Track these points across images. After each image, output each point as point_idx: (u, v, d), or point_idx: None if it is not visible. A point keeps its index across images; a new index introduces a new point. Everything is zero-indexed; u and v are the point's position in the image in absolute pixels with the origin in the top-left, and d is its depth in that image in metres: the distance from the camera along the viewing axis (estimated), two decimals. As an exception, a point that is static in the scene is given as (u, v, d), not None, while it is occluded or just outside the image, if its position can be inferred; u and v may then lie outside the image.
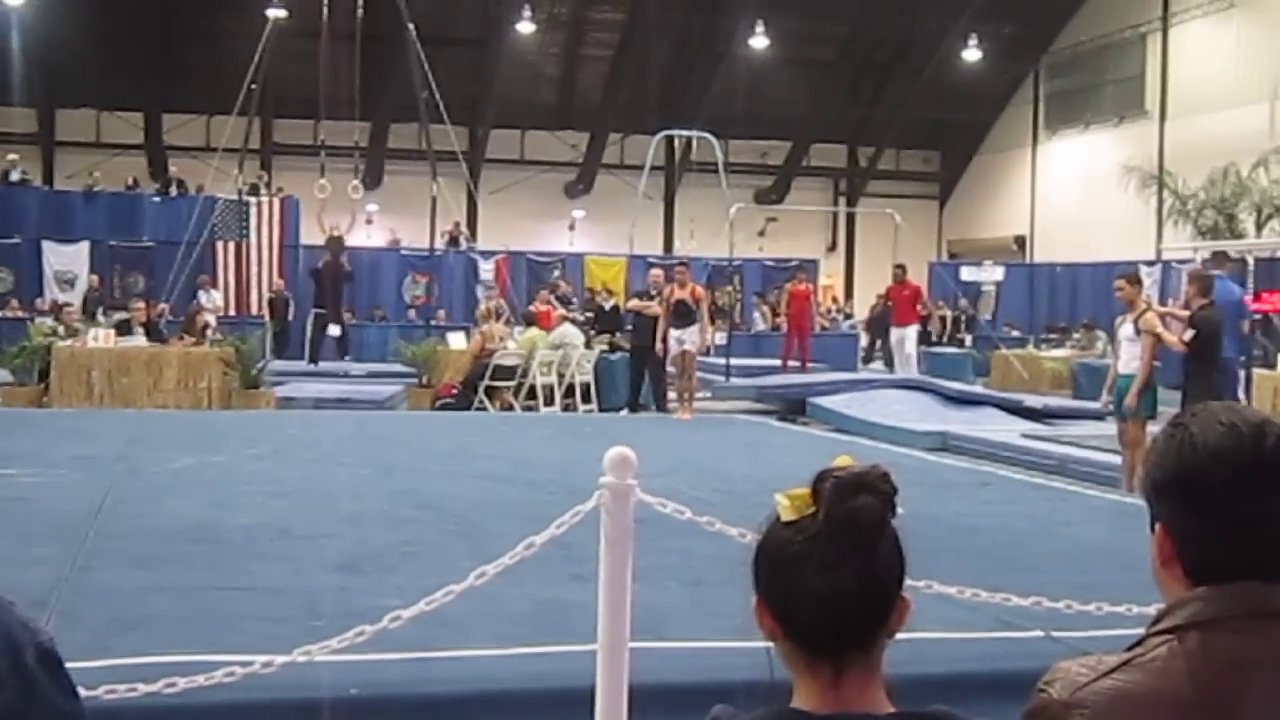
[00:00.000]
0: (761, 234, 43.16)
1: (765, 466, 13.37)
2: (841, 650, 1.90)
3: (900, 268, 27.35)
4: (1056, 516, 10.96)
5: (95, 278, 30.51)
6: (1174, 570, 1.90)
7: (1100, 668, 1.85)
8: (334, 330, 26.69)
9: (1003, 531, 10.11)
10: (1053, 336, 31.91)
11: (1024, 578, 7.09)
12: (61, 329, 21.65)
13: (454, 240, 34.38)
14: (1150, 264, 30.25)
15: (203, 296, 27.95)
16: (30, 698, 1.92)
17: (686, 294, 19.43)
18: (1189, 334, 12.98)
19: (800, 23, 40.84)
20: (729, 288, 32.62)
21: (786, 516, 1.91)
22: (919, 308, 27.83)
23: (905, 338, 26.67)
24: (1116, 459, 13.49)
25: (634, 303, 21.99)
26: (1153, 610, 1.92)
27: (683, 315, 19.26)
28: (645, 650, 4.94)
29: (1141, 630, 1.90)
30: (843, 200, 47.00)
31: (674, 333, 19.20)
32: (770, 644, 1.98)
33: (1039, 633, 6.15)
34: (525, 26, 39.66)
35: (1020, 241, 44.75)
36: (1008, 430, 17.89)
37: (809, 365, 26.18)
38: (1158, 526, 1.92)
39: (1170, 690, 1.79)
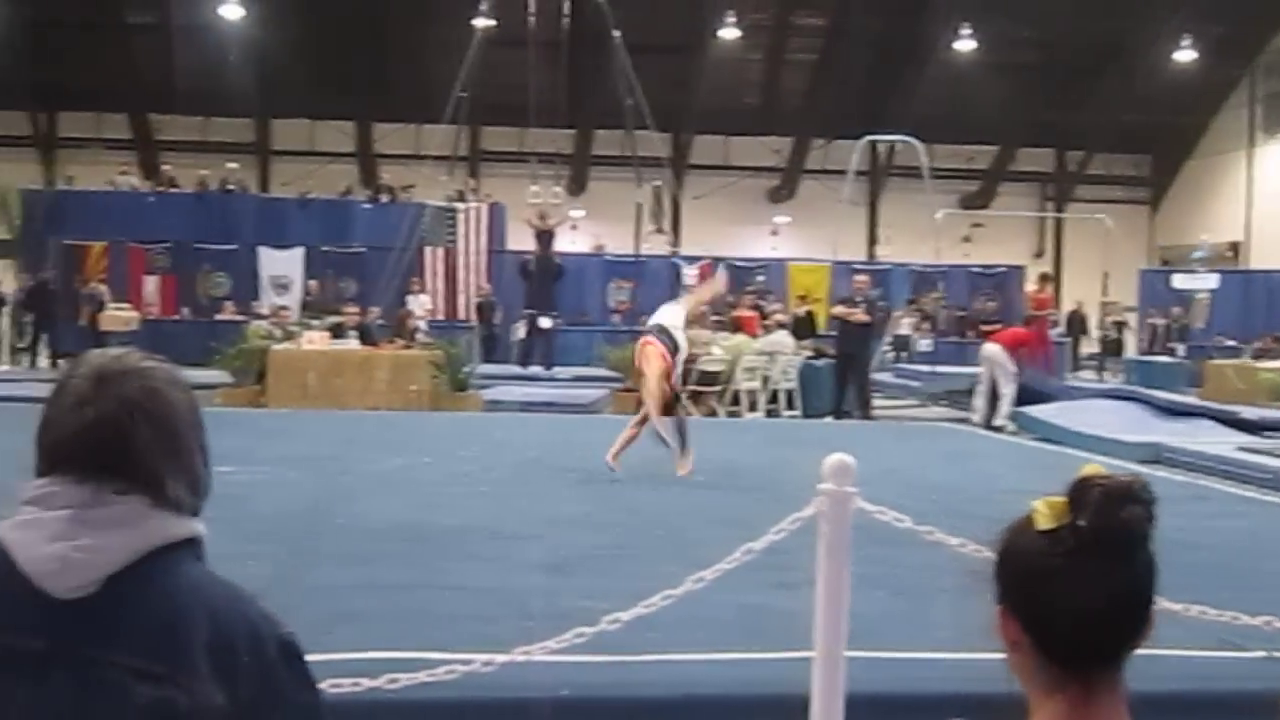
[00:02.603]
0: (966, 240, 42.46)
1: (971, 476, 13.16)
2: (1093, 667, 1.82)
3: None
4: (1280, 533, 10.59)
5: (312, 283, 31.26)
6: None
7: None
8: (545, 322, 26.89)
9: (1224, 548, 9.75)
10: (1273, 346, 30.78)
11: (1250, 596, 6.83)
12: (278, 332, 22.22)
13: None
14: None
15: (411, 301, 28.44)
16: (271, 689, 1.95)
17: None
18: None
19: (1006, 25, 40.16)
20: (934, 294, 32.20)
21: (1044, 525, 1.81)
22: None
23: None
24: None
25: (838, 309, 21.81)
26: None
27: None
28: (859, 659, 4.86)
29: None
30: (1050, 206, 46.08)
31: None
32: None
33: (1261, 653, 5.93)
34: (729, 32, 39.67)
35: (1235, 248, 43.37)
36: (1223, 443, 17.28)
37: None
38: None
39: None
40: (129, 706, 1.87)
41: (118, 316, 26.89)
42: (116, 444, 1.95)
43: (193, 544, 2.01)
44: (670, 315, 12.74)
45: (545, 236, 27.72)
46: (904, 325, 30.68)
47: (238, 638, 1.94)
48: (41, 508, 1.94)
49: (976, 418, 20.10)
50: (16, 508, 1.99)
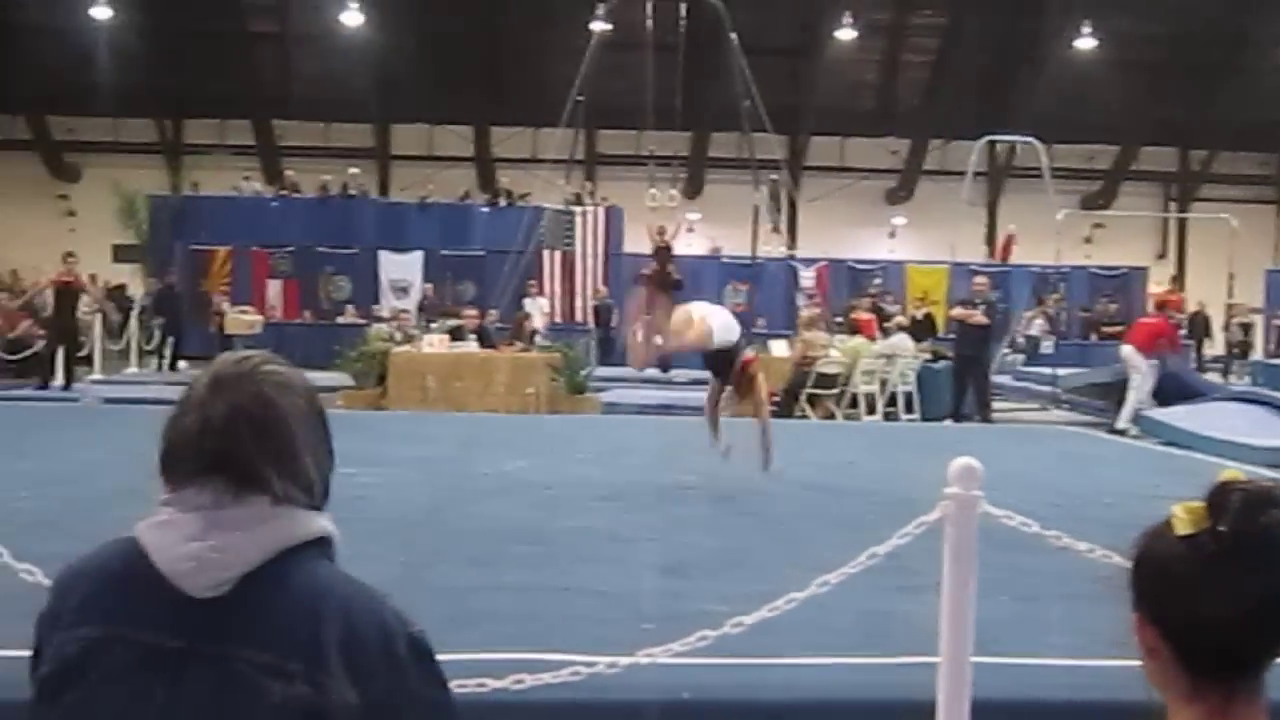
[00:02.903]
0: (1088, 240, 41.81)
1: (1095, 480, 12.95)
2: (1234, 674, 1.77)
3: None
4: None
5: (429, 286, 31.55)
6: None
7: None
8: (660, 340, 26.85)
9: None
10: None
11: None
12: (398, 334, 22.45)
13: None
14: None
15: (528, 303, 28.60)
16: (401, 687, 1.97)
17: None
18: None
19: (1127, 23, 39.53)
20: (1055, 295, 31.80)
21: (1183, 530, 1.76)
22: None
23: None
24: None
25: (957, 311, 21.60)
26: None
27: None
28: (984, 665, 4.80)
29: None
30: (1173, 206, 45.30)
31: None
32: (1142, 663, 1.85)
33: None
34: (845, 34, 39.46)
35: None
36: (1355, 446, 16.86)
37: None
38: None
39: None
40: (263, 704, 1.90)
41: (241, 320, 27.34)
42: (226, 448, 1.99)
43: (323, 544, 2.03)
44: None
45: (663, 251, 27.72)
46: (1034, 326, 30.35)
47: (369, 636, 1.96)
48: (176, 509, 1.98)
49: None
50: (153, 508, 2.02)
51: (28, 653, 2.14)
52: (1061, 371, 24.18)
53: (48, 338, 22.86)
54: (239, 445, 1.99)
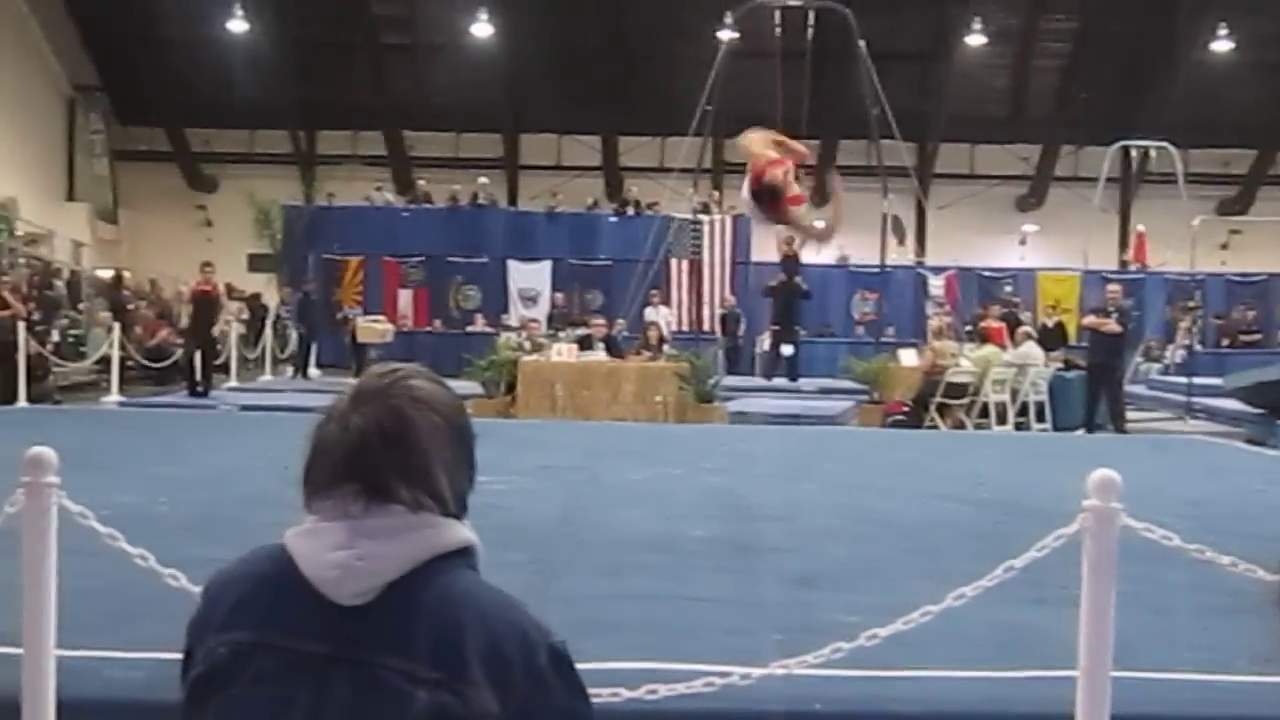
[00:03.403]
0: (1224, 247, 41.01)
1: (1235, 491, 12.71)
2: None
3: None
4: None
5: (559, 295, 31.74)
6: None
7: None
8: (787, 350, 26.91)
9: None
10: None
11: None
12: (527, 343, 22.62)
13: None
14: None
15: (650, 312, 28.64)
16: (541, 696, 1.99)
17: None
18: None
19: (1265, 24, 38.68)
20: (1190, 303, 31.25)
21: None
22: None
23: None
24: None
25: (1089, 319, 21.29)
26: None
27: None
28: (1123, 679, 4.72)
29: None
30: (1315, 211, 44.25)
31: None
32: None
33: None
34: (975, 39, 39.08)
35: None
36: None
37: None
38: None
39: None
40: (407, 711, 1.93)
41: (373, 329, 27.70)
42: (365, 459, 2.03)
43: (467, 553, 2.06)
44: None
45: (790, 261, 27.73)
46: (1187, 335, 29.83)
47: (510, 645, 1.99)
48: (322, 518, 2.02)
49: None
50: (291, 514, 2.07)
51: (177, 655, 2.19)
52: (1198, 380, 23.72)
53: (185, 346, 23.33)
54: (371, 457, 2.03)
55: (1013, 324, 24.61)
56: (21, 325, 20.78)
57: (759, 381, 26.63)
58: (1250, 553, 4.89)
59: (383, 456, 2.03)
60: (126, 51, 39.89)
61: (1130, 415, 21.35)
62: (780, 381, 26.28)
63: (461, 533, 2.06)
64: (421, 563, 1.99)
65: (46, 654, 4.49)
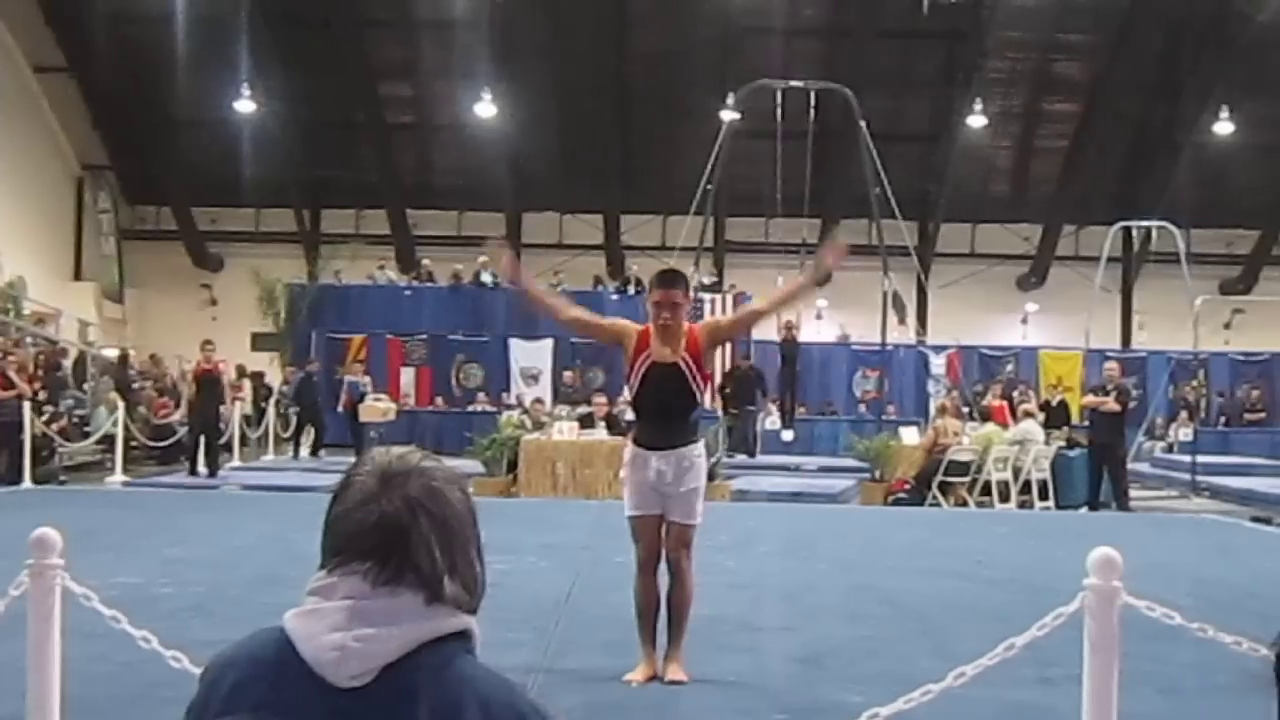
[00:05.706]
0: (1227, 326, 41.07)
1: (1240, 570, 12.69)
2: None
3: None
4: None
5: (568, 374, 31.69)
6: None
7: None
8: (787, 436, 27.03)
9: None
10: None
11: None
12: (529, 422, 22.63)
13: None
14: None
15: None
16: (541, 777, 1.99)
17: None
18: None
19: (1267, 106, 38.92)
20: (1194, 382, 31.28)
21: None
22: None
23: None
24: None
25: (1088, 399, 21.31)
26: None
27: None
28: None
29: None
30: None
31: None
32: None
33: None
34: (977, 120, 39.33)
35: None
36: None
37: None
38: None
39: None
40: (405, 792, 1.93)
41: (376, 408, 27.65)
42: (398, 541, 2.02)
43: (464, 636, 2.07)
44: None
45: (789, 344, 27.94)
46: (1180, 425, 29.69)
47: (507, 728, 1.99)
48: (323, 598, 2.03)
49: None
50: (296, 596, 2.08)
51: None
52: (1201, 459, 23.71)
53: (190, 425, 23.33)
54: (412, 539, 2.02)
55: (1013, 402, 24.64)
56: (27, 405, 20.81)
57: (762, 460, 26.63)
58: (1257, 631, 4.89)
59: (419, 539, 2.03)
60: (135, 131, 40.12)
61: (1135, 493, 21.33)
62: (783, 459, 26.36)
63: (459, 618, 2.07)
64: (419, 645, 2.00)
65: (50, 735, 4.49)
